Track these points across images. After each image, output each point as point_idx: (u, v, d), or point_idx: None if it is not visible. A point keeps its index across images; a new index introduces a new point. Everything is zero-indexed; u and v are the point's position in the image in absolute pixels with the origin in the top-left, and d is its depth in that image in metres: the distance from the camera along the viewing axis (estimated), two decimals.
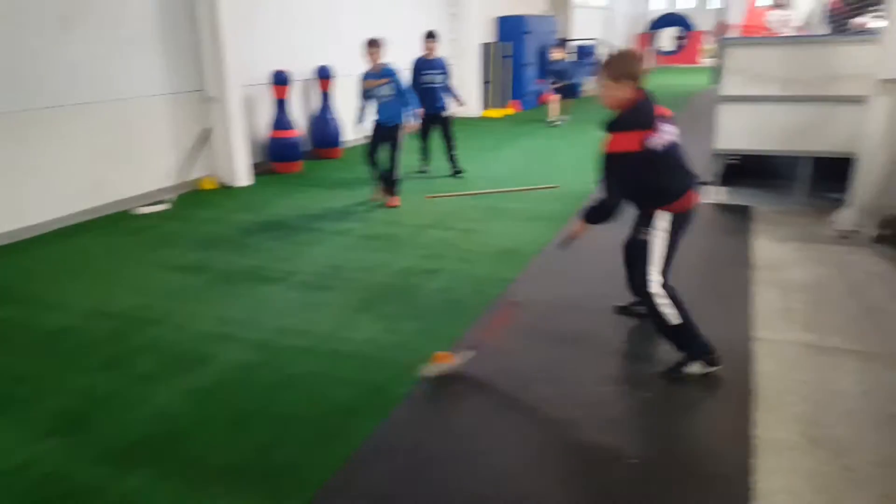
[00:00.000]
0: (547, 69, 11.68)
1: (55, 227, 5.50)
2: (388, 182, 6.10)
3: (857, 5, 6.49)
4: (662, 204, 2.80)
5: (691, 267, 4.34)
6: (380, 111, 6.15)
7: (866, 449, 2.39)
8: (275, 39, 8.01)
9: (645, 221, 2.85)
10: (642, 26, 27.50)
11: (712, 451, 2.48)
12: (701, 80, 17.95)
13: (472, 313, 3.63)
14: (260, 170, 7.69)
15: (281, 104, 7.78)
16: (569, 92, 12.00)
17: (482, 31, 12.86)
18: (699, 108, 12.10)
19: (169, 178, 6.71)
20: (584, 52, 16.45)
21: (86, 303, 3.95)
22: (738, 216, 5.40)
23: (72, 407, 2.81)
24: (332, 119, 8.67)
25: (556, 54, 11.94)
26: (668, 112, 2.80)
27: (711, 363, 2.84)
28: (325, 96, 8.62)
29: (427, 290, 4.02)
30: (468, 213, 5.74)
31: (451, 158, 7.40)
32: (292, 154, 7.89)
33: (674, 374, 2.87)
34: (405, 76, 6.50)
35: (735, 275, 4.14)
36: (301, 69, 8.37)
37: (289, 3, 8.21)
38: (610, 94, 2.73)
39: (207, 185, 7.03)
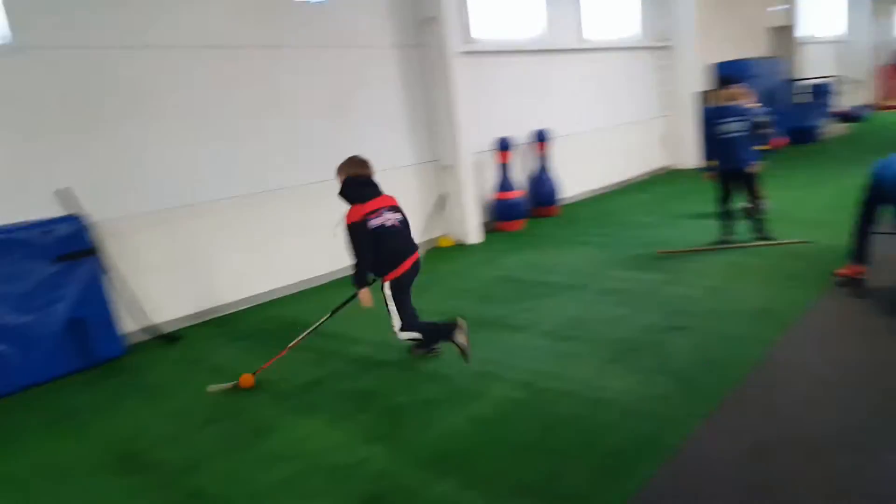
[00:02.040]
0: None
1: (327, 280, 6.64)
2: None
3: None
4: (381, 274, 4.03)
5: None
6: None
7: None
8: (498, 110, 8.81)
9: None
10: (888, 56, 24.43)
11: None
12: None
13: (733, 373, 3.61)
14: (487, 228, 8.41)
15: (504, 168, 8.48)
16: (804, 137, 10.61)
17: (697, 80, 12.46)
18: None
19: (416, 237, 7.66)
20: (821, 90, 15.03)
21: (375, 337, 4.73)
22: None
23: (385, 420, 3.45)
24: (549, 179, 9.19)
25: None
26: (390, 201, 4.05)
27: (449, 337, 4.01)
28: (543, 158, 9.20)
29: (676, 347, 4.08)
30: (707, 270, 5.66)
31: (756, 220, 6.42)
32: (515, 213, 8.50)
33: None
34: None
35: None
36: (521, 134, 9.07)
37: (507, 78, 9.00)
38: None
39: (444, 243, 7.87)
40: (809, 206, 7.81)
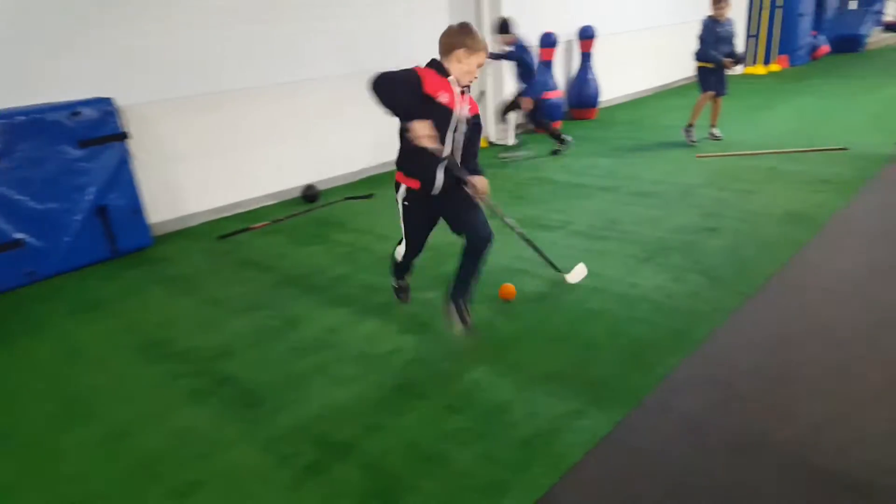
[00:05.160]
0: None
1: (364, 175, 6.56)
2: None
3: None
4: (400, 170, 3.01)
5: None
6: None
7: None
8: (542, 2, 8.30)
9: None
10: None
11: None
12: None
13: (762, 272, 3.63)
14: (520, 130, 8.15)
15: (546, 66, 8.09)
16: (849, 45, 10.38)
17: None
18: None
19: None
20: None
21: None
22: None
23: (416, 313, 3.48)
24: (591, 80, 8.79)
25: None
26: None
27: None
28: (586, 56, 8.75)
29: (709, 247, 4.06)
30: (743, 175, 5.57)
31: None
32: (554, 115, 8.18)
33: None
34: None
35: None
36: (566, 30, 8.59)
37: None
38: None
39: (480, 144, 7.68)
40: (849, 115, 7.88)
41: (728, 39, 6.60)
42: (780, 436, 2.32)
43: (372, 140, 6.59)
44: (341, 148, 6.40)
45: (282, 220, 5.40)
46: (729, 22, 6.62)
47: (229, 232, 5.12)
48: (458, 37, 2.80)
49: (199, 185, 5.45)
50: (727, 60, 6.51)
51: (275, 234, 5.09)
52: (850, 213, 4.49)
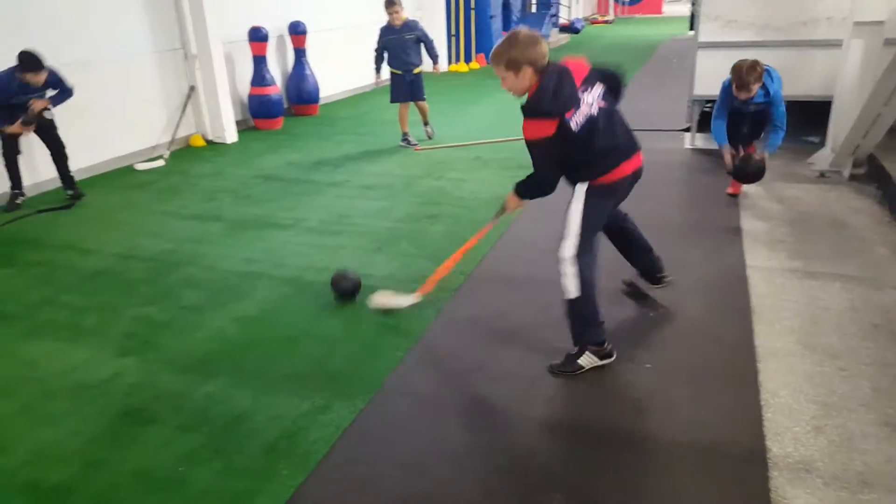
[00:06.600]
0: None
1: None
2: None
3: None
4: (584, 179, 2.68)
5: (682, 207, 4.91)
6: None
7: (857, 353, 2.74)
8: None
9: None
10: None
11: (721, 358, 2.78)
12: (665, 30, 18.69)
13: (479, 250, 3.97)
14: (242, 127, 7.86)
15: (259, 61, 7.89)
16: None
17: None
18: (666, 58, 12.75)
19: (160, 135, 6.86)
20: (547, 2, 16.74)
21: (116, 248, 4.26)
22: (719, 160, 5.52)
23: (136, 332, 3.17)
24: (309, 75, 8.80)
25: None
26: (584, 70, 2.61)
27: (603, 355, 2.72)
28: (300, 52, 8.73)
29: (431, 233, 4.40)
30: (455, 164, 6.11)
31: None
32: (273, 111, 8.05)
33: (562, 370, 2.72)
34: None
35: (723, 213, 4.53)
36: (276, 25, 8.46)
37: None
38: (510, 85, 2.58)
39: (196, 142, 7.20)
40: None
41: (408, 45, 6.56)
42: (502, 401, 2.58)
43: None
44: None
45: None
46: (407, 26, 6.54)
47: None
48: None
49: None
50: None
51: None
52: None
